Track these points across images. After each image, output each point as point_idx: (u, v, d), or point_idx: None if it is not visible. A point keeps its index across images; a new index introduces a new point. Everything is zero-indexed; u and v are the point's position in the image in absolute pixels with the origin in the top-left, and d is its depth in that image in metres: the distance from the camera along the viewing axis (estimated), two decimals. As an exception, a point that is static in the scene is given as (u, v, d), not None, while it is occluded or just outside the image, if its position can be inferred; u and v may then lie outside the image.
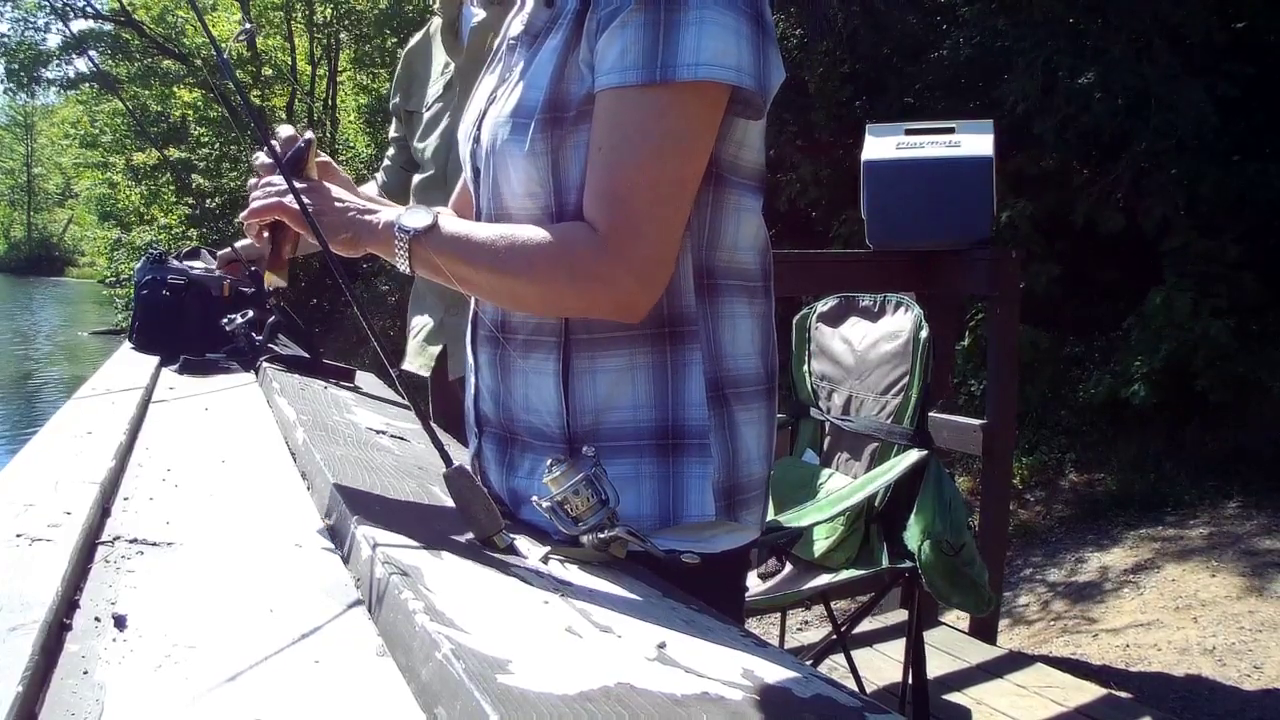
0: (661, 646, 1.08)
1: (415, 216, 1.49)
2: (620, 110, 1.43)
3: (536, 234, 1.47)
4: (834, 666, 3.76)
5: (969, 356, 9.51)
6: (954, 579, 3.46)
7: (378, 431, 2.12)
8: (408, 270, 1.50)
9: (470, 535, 1.38)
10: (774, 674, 1.06)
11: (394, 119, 3.66)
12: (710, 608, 1.34)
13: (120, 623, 1.12)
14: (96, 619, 1.13)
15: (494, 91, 1.64)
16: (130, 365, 2.94)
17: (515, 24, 1.65)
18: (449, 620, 1.02)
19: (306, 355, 2.98)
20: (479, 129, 1.63)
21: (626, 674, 0.99)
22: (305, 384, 2.66)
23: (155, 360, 2.99)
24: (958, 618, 4.85)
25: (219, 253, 3.38)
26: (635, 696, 0.93)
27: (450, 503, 1.41)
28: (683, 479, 1.52)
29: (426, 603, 1.06)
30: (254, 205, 1.57)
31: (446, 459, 1.39)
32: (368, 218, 1.54)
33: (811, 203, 11.66)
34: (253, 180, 1.63)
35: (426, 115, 3.39)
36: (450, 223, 1.49)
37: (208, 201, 18.55)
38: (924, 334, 3.51)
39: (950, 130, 4.65)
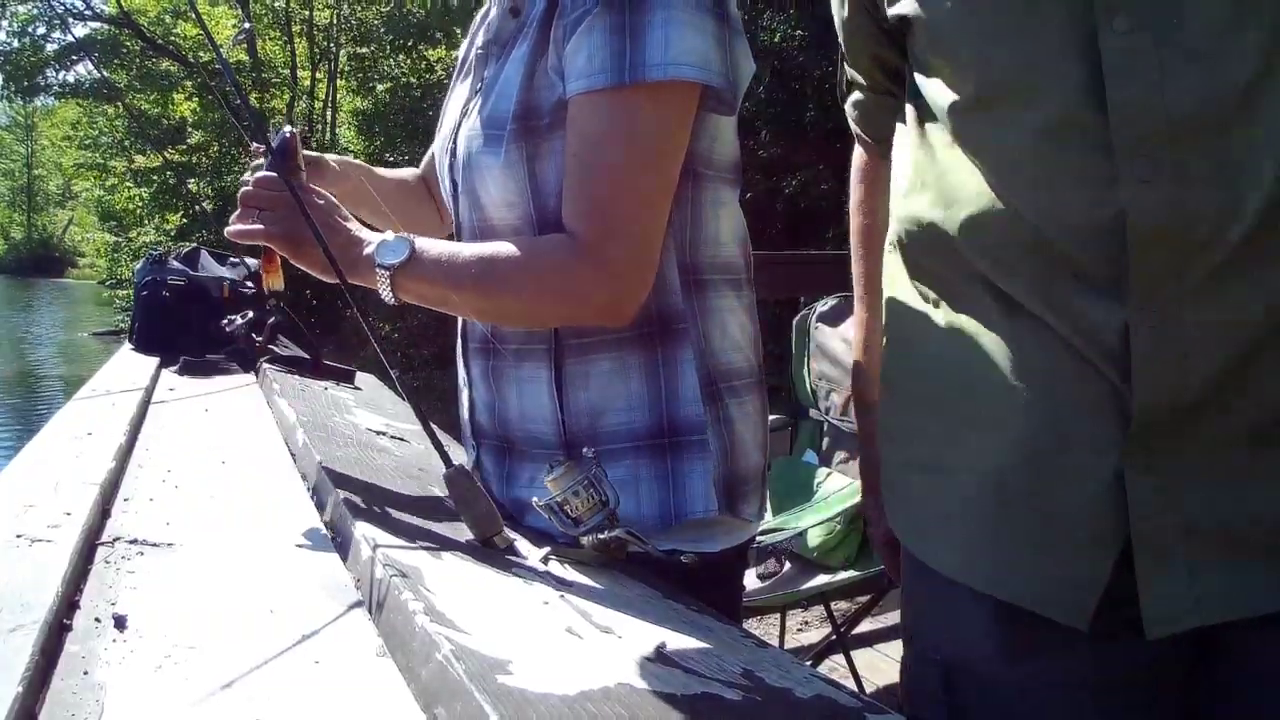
0: (661, 647, 1.08)
1: (392, 250, 1.47)
2: (592, 115, 1.43)
3: (516, 251, 1.46)
4: (834, 667, 3.76)
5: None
6: (952, 580, 3.45)
7: (378, 432, 2.12)
8: (392, 301, 1.49)
9: (470, 535, 1.38)
10: (774, 674, 1.06)
11: None
12: (710, 608, 1.34)
13: (120, 623, 1.12)
14: (96, 619, 1.13)
15: (466, 103, 1.63)
16: (130, 366, 2.95)
17: (482, 33, 1.65)
18: (449, 621, 1.03)
19: (306, 356, 2.98)
20: (454, 142, 1.63)
21: (626, 674, 0.99)
22: (305, 385, 2.66)
23: (155, 361, 3.00)
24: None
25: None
26: (635, 696, 0.93)
27: (451, 503, 1.42)
28: (683, 477, 1.52)
29: (427, 603, 1.06)
30: (237, 228, 1.56)
31: (446, 460, 1.39)
32: (351, 251, 1.51)
33: (812, 203, 11.66)
34: (244, 188, 1.59)
35: None
36: (429, 249, 1.48)
37: (205, 204, 18.54)
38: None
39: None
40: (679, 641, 1.12)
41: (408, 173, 2.10)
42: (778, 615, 4.40)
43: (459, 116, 1.64)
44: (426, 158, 2.06)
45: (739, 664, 1.08)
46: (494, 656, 0.96)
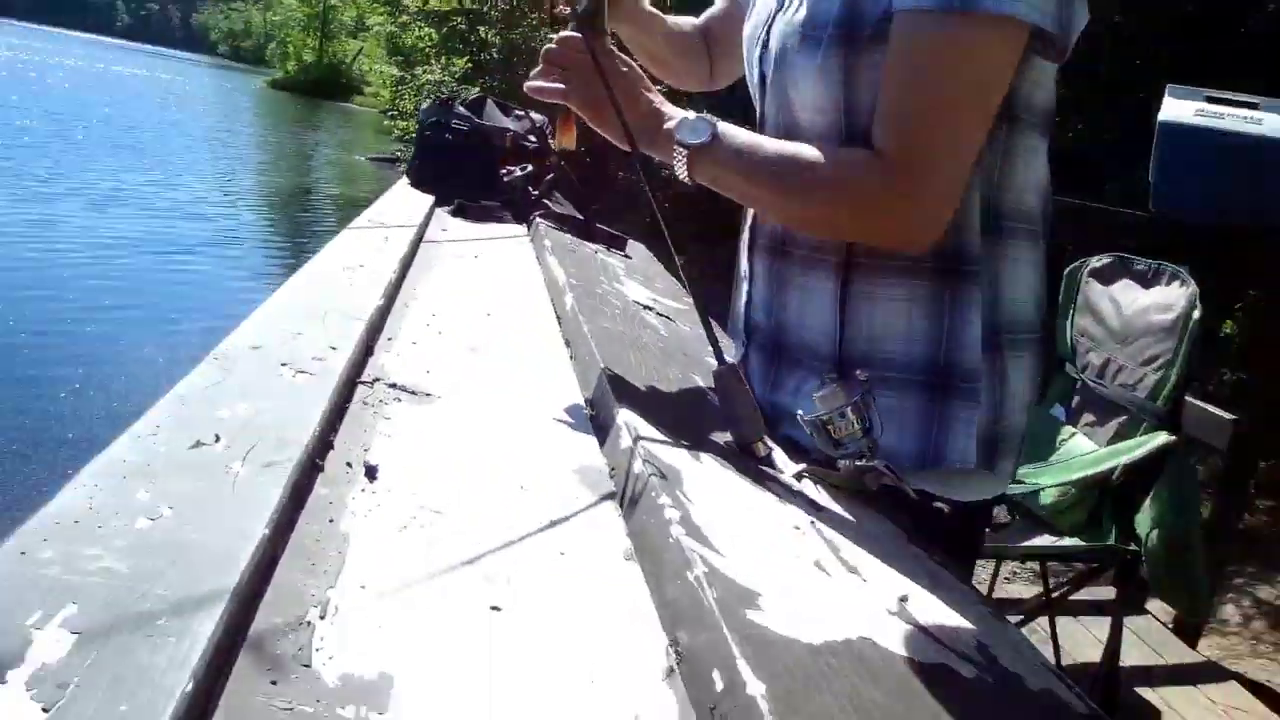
0: (904, 600, 1.04)
1: (694, 129, 1.45)
2: (919, 36, 1.36)
3: (822, 158, 1.41)
4: (1034, 629, 3.69)
5: (1229, 342, 9.13)
6: (1175, 577, 3.35)
7: (645, 307, 2.09)
8: (687, 180, 1.47)
9: (730, 438, 1.35)
10: (1008, 657, 1.01)
11: None
12: (950, 560, 1.29)
13: (371, 473, 1.12)
14: (348, 464, 1.13)
15: None
16: (405, 202, 2.99)
17: None
18: (704, 537, 0.99)
19: (580, 216, 2.98)
20: (767, 32, 1.58)
21: (868, 627, 0.94)
22: (577, 245, 2.66)
23: (430, 200, 3.04)
24: (1164, 608, 4.68)
25: None
26: (875, 656, 0.89)
27: (713, 397, 1.39)
28: (948, 421, 1.47)
29: (684, 512, 1.03)
30: (536, 84, 1.54)
31: (720, 356, 1.36)
32: (652, 122, 1.50)
33: (1092, 150, 11.28)
34: (548, 46, 1.57)
35: None
36: (732, 136, 1.45)
37: (494, 53, 18.73)
38: (1197, 313, 3.35)
39: (1254, 106, 4.39)
40: (920, 596, 1.07)
41: (685, 23, 2.03)
42: (991, 561, 4.34)
43: (775, 4, 1.58)
44: (712, 9, 2.01)
45: (975, 637, 1.03)
46: (745, 586, 0.92)
